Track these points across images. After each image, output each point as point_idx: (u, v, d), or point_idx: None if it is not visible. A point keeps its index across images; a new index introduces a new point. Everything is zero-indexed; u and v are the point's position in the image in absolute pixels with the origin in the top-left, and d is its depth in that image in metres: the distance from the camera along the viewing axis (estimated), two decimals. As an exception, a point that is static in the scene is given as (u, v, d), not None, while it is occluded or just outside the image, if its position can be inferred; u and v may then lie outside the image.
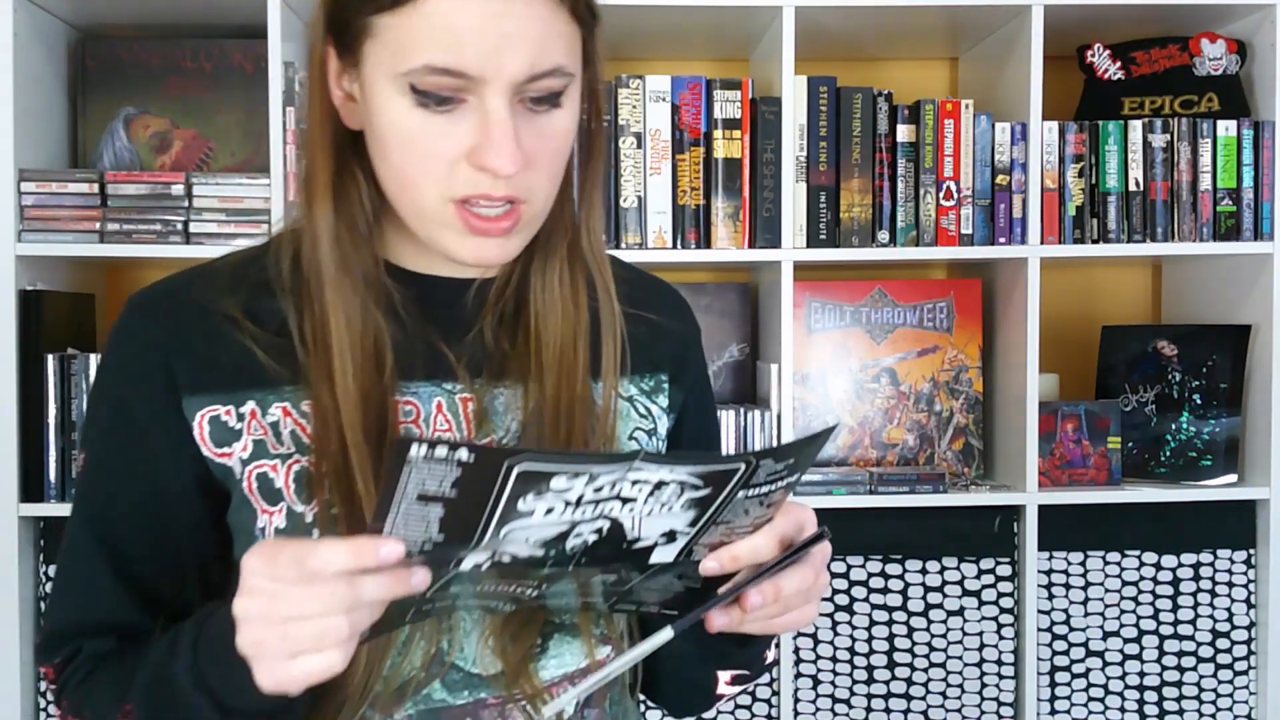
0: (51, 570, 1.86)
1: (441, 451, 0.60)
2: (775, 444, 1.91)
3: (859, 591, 1.96)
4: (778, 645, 1.14)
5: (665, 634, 0.70)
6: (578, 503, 0.67)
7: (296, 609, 0.66)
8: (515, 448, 0.62)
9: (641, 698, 1.02)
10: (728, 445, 1.90)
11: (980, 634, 1.97)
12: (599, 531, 0.71)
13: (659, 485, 0.68)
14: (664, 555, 0.76)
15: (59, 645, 0.87)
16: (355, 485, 0.81)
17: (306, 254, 0.86)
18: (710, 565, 0.76)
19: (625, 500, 0.69)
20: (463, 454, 0.61)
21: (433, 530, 0.65)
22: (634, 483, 0.67)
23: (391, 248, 0.90)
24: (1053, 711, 2.00)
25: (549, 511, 0.67)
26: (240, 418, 0.85)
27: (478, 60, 0.77)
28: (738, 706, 1.96)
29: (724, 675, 0.95)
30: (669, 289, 1.04)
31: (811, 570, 0.78)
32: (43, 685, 1.86)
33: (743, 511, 0.74)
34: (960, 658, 1.97)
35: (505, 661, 0.85)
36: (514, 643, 0.85)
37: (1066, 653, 2.00)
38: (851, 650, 1.97)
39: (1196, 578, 2.00)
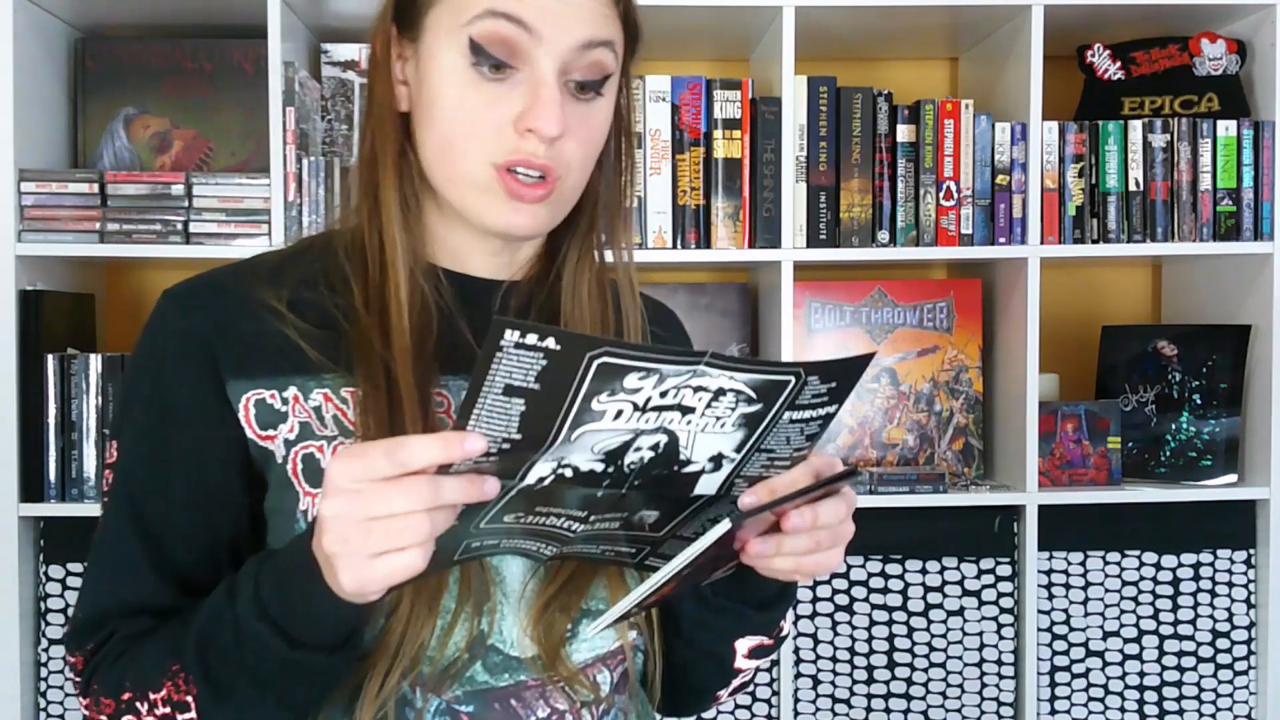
0: (52, 570, 1.86)
1: (532, 338, 0.65)
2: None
3: (859, 591, 1.96)
4: (796, 622, 1.17)
5: (724, 525, 0.73)
6: (644, 408, 0.71)
7: (382, 506, 0.68)
8: (598, 337, 0.67)
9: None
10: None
11: (980, 634, 1.97)
12: (655, 448, 0.74)
13: (718, 394, 0.72)
14: (708, 485, 0.79)
15: (91, 631, 0.87)
16: None
17: (366, 229, 0.91)
18: (748, 500, 0.79)
19: (685, 412, 0.73)
20: (551, 342, 0.65)
21: (512, 428, 0.69)
22: (696, 389, 0.71)
23: (426, 245, 0.94)
24: (1053, 711, 2.00)
25: (618, 415, 0.71)
26: (284, 401, 0.87)
27: (538, 13, 0.83)
28: (738, 706, 1.96)
29: (741, 649, 0.96)
30: (671, 312, 1.11)
31: (844, 505, 0.81)
32: (43, 685, 1.86)
33: (784, 440, 0.78)
34: (960, 658, 1.97)
35: (539, 645, 0.88)
36: (549, 628, 0.88)
37: (1066, 653, 2.00)
38: (851, 650, 1.97)
39: (1196, 578, 2.00)
